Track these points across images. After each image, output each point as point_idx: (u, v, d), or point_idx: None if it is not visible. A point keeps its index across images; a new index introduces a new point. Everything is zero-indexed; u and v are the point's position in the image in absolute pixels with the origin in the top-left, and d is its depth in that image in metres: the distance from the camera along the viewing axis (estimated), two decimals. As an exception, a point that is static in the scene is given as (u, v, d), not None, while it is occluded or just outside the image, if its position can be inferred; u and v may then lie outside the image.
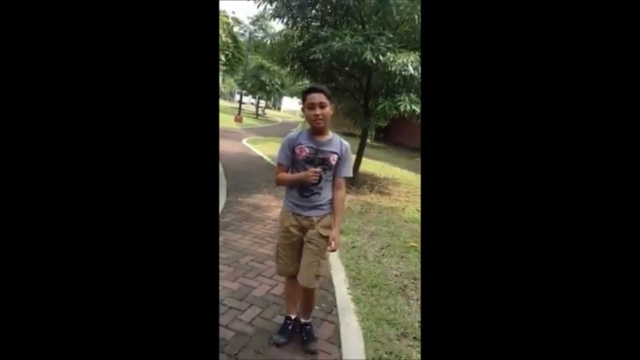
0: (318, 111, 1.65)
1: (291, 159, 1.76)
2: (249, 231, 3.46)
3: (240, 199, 4.52)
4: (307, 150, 1.72)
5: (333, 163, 1.75)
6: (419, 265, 3.05)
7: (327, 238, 1.77)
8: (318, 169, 1.70)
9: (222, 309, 2.11)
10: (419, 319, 2.25)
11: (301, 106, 1.71)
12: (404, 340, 2.02)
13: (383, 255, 3.21)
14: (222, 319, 2.01)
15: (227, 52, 8.99)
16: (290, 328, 1.92)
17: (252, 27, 17.42)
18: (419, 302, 2.45)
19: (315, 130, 1.72)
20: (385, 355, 1.87)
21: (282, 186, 1.86)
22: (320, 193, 1.76)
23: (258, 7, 5.18)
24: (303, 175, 1.71)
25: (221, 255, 2.84)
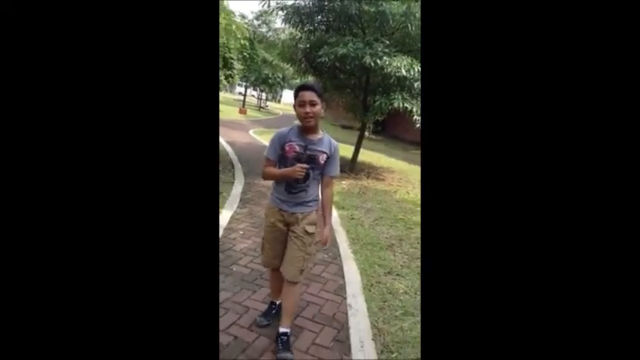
0: (308, 109, 1.64)
1: (280, 155, 1.75)
2: (268, 205, 4.22)
3: (256, 182, 5.27)
4: (297, 147, 1.71)
5: (322, 162, 1.75)
6: (405, 232, 3.83)
7: (312, 234, 1.82)
8: (305, 165, 1.69)
9: (256, 254, 2.87)
10: (401, 263, 3.02)
11: (293, 102, 1.74)
12: (389, 276, 2.79)
13: (376, 224, 3.99)
14: (260, 259, 2.78)
15: (245, 54, 9.71)
16: (273, 312, 2.06)
17: (256, 22, 18.02)
18: (402, 254, 3.23)
19: (306, 128, 1.71)
20: (375, 283, 2.64)
21: (269, 180, 1.86)
22: (306, 191, 1.78)
23: (271, 13, 5.87)
24: (289, 170, 1.69)
25: (248, 220, 3.61)
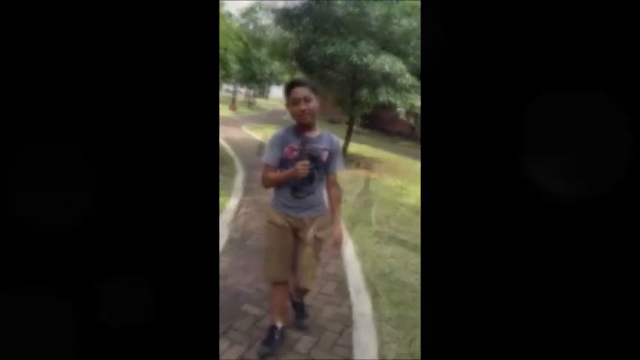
0: (304, 106, 1.54)
1: (280, 160, 1.63)
2: (269, 193, 4.71)
3: (254, 173, 5.72)
4: (297, 147, 1.60)
5: (325, 160, 1.66)
6: (391, 211, 4.37)
7: (322, 240, 1.75)
8: (307, 162, 1.57)
9: (264, 231, 3.37)
10: (389, 236, 3.56)
11: (285, 102, 1.64)
12: (378, 245, 3.32)
13: (366, 205, 4.53)
14: (267, 235, 3.27)
15: (240, 55, 10.05)
16: (277, 337, 1.74)
17: (242, 20, 18.27)
18: (389, 229, 3.76)
19: (303, 126, 1.61)
20: (367, 251, 3.16)
21: (272, 187, 1.70)
22: (314, 193, 1.68)
23: (263, 13, 6.28)
24: (291, 171, 1.56)
25: (254, 205, 4.09)
